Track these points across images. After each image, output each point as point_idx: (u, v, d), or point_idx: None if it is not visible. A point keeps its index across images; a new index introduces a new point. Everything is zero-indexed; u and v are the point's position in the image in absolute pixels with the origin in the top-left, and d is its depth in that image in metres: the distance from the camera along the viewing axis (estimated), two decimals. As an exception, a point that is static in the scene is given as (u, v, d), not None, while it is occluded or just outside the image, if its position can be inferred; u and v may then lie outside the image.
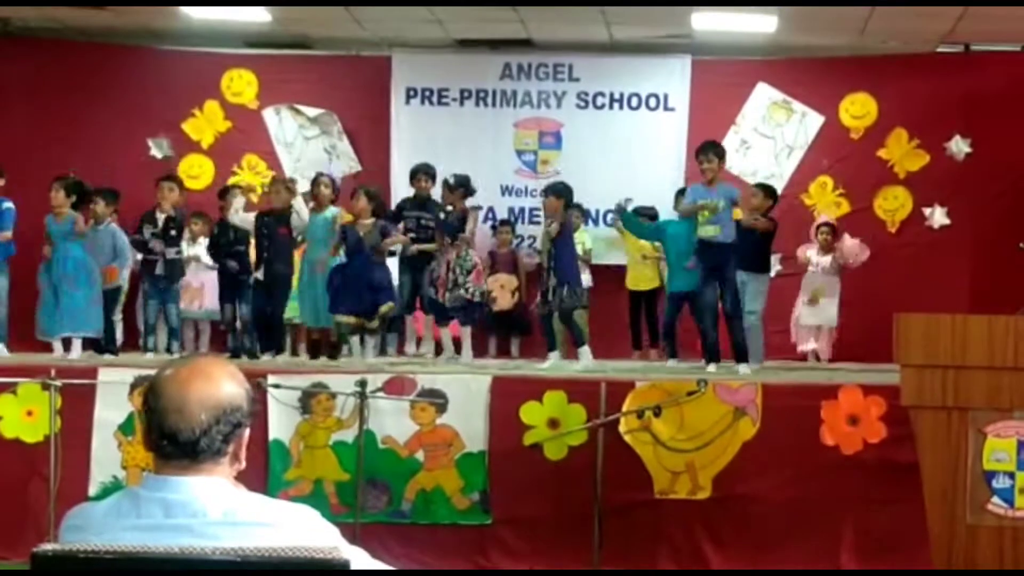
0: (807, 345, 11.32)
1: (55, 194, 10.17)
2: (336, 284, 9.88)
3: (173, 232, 10.26)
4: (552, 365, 9.51)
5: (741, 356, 9.43)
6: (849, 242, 11.46)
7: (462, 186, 10.27)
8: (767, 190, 10.46)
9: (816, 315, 11.31)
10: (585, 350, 9.70)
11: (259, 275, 10.06)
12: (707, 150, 9.72)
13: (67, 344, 10.03)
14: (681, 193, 10.51)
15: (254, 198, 11.47)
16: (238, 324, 10.30)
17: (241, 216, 10.30)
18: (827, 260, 11.34)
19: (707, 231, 9.46)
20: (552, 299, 9.63)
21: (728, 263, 9.55)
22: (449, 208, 10.31)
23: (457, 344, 10.33)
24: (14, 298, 10.50)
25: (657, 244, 10.81)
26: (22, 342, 10.49)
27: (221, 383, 2.71)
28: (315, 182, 10.44)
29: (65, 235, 10.13)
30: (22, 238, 10.55)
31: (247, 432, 2.77)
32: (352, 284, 9.81)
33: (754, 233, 9.99)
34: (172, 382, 2.69)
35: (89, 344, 10.15)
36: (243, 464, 2.77)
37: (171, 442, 2.66)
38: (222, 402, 2.69)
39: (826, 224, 11.60)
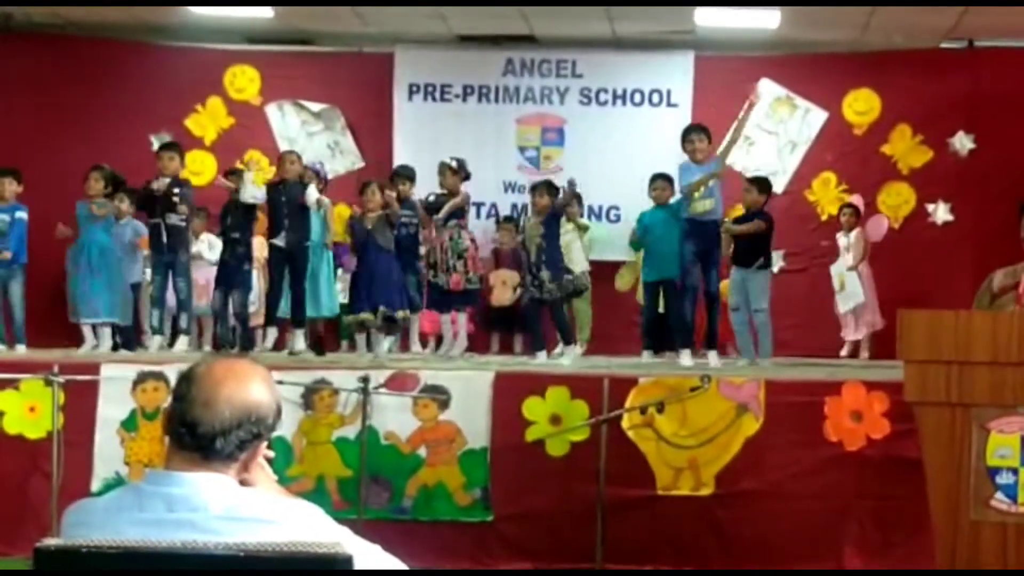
0: (850, 335, 11.35)
1: (94, 183, 10.33)
2: (353, 283, 10.15)
3: (176, 199, 9.98)
4: (543, 362, 9.54)
5: (713, 342, 9.62)
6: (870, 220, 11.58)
7: (462, 168, 10.31)
8: (761, 184, 10.34)
9: (846, 300, 11.33)
10: (571, 349, 9.77)
11: (279, 241, 10.00)
12: (698, 130, 9.83)
13: (96, 332, 10.25)
14: (658, 178, 10.47)
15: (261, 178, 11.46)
16: (230, 311, 10.17)
17: (251, 191, 10.10)
18: (848, 240, 11.36)
19: (703, 205, 9.55)
20: (544, 291, 9.68)
21: (717, 243, 9.67)
22: (441, 191, 10.33)
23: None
24: (32, 293, 10.51)
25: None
26: (38, 337, 10.46)
27: (253, 389, 2.72)
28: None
29: (94, 220, 10.27)
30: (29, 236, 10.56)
31: (263, 446, 2.77)
32: (367, 283, 9.91)
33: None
34: (207, 375, 2.71)
35: (117, 333, 10.29)
36: (250, 475, 2.76)
37: (189, 432, 2.66)
38: (249, 407, 2.69)
39: (849, 205, 11.63)
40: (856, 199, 11.87)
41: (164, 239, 10.04)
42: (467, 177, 10.35)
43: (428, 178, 10.69)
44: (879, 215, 11.85)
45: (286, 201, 10.06)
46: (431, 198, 10.42)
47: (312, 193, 10.14)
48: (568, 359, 9.56)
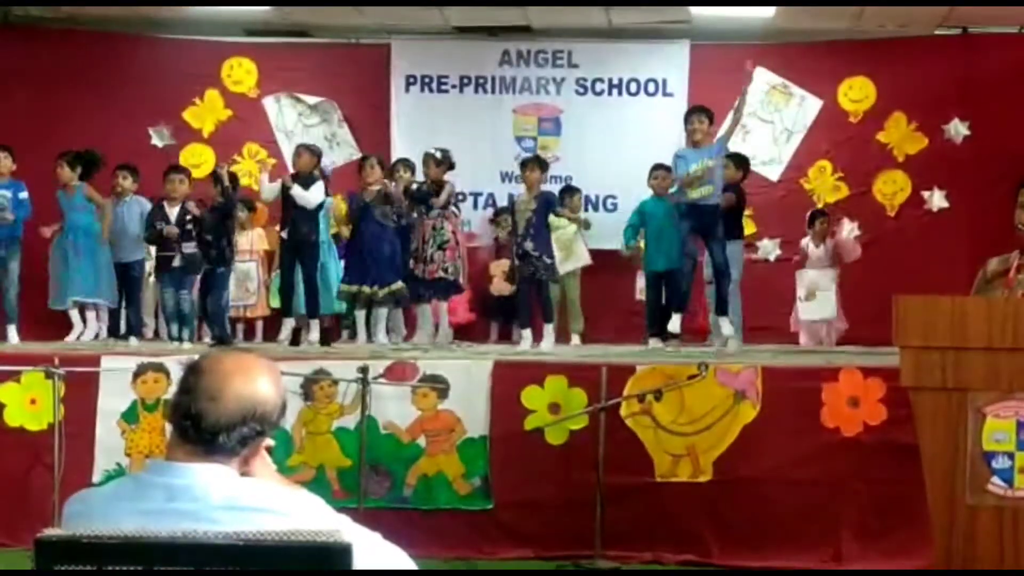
0: (809, 342, 11.27)
1: (60, 170, 10.43)
2: (347, 256, 10.20)
3: (189, 226, 9.92)
4: (526, 348, 9.69)
5: (724, 309, 9.72)
6: (845, 239, 11.47)
7: (447, 159, 10.21)
8: (737, 160, 10.35)
9: (814, 310, 11.26)
10: (550, 328, 9.92)
11: (285, 235, 10.12)
12: (699, 111, 9.84)
13: (83, 314, 10.36)
14: (658, 167, 10.51)
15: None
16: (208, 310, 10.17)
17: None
18: (821, 251, 11.31)
19: (701, 191, 9.58)
20: (536, 264, 9.81)
21: (716, 223, 9.68)
22: (423, 181, 10.27)
23: (456, 327, 10.47)
24: (26, 287, 10.53)
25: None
26: (31, 328, 10.49)
27: (260, 386, 2.73)
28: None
29: (75, 207, 10.36)
30: (26, 226, 10.58)
31: (266, 442, 2.79)
32: (361, 256, 9.95)
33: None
34: (215, 369, 2.71)
35: (110, 325, 10.37)
36: (251, 467, 2.77)
37: (194, 424, 2.66)
38: (255, 404, 2.70)
39: (821, 212, 11.60)
40: (818, 207, 11.87)
41: (179, 263, 9.95)
42: (451, 167, 10.26)
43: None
44: (851, 238, 11.69)
45: (292, 195, 10.08)
46: (413, 187, 10.33)
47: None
48: (548, 342, 9.76)
